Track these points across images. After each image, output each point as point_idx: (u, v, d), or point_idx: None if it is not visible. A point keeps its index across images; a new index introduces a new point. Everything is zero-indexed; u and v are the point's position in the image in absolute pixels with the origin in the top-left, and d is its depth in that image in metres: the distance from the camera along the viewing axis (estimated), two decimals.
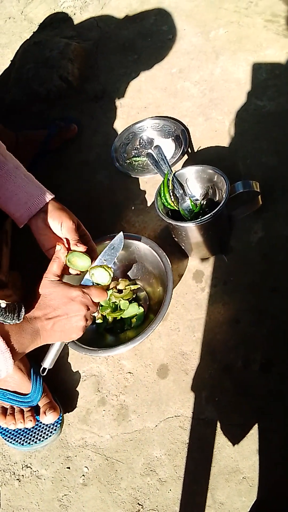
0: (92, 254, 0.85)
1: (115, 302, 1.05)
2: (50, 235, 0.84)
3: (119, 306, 1.05)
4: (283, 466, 0.85)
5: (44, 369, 0.86)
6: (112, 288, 1.07)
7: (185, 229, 0.97)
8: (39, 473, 0.96)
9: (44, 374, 0.87)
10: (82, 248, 0.82)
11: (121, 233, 0.86)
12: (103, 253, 0.83)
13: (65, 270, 0.82)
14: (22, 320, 0.73)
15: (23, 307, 0.74)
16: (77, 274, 0.85)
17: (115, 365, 1.03)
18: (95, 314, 1.05)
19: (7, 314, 0.71)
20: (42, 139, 1.36)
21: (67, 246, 0.82)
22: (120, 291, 1.07)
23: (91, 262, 0.83)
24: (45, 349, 0.85)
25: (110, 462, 0.94)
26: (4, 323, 0.71)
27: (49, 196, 0.84)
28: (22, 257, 1.17)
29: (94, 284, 0.82)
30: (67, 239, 0.83)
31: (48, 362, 0.84)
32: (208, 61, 1.43)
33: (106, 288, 1.07)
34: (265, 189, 1.08)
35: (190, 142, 1.29)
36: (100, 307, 1.06)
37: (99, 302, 0.83)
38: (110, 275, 0.82)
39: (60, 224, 0.82)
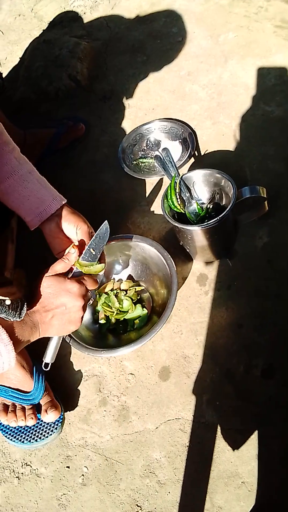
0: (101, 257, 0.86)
1: (118, 299, 1.06)
2: (62, 239, 0.85)
3: (122, 303, 1.05)
4: (282, 472, 0.85)
5: (47, 364, 0.86)
6: (116, 289, 1.08)
7: (190, 232, 0.98)
8: (38, 471, 0.97)
9: (48, 369, 0.87)
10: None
11: (106, 221, 0.85)
12: (90, 243, 0.83)
13: (68, 272, 0.83)
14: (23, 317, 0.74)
15: (25, 305, 0.74)
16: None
17: (117, 366, 1.03)
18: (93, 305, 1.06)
19: (10, 311, 0.72)
20: (50, 138, 1.36)
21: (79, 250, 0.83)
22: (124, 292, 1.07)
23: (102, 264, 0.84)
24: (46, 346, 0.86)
25: (109, 463, 0.94)
26: (6, 319, 0.72)
27: (61, 202, 0.85)
28: (27, 255, 1.17)
29: (85, 273, 0.82)
30: (80, 242, 0.83)
31: (49, 357, 0.85)
32: (217, 65, 1.43)
33: (110, 289, 1.09)
34: (271, 195, 1.09)
35: (197, 145, 1.29)
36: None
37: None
38: (102, 264, 0.84)
39: (76, 227, 0.84)
